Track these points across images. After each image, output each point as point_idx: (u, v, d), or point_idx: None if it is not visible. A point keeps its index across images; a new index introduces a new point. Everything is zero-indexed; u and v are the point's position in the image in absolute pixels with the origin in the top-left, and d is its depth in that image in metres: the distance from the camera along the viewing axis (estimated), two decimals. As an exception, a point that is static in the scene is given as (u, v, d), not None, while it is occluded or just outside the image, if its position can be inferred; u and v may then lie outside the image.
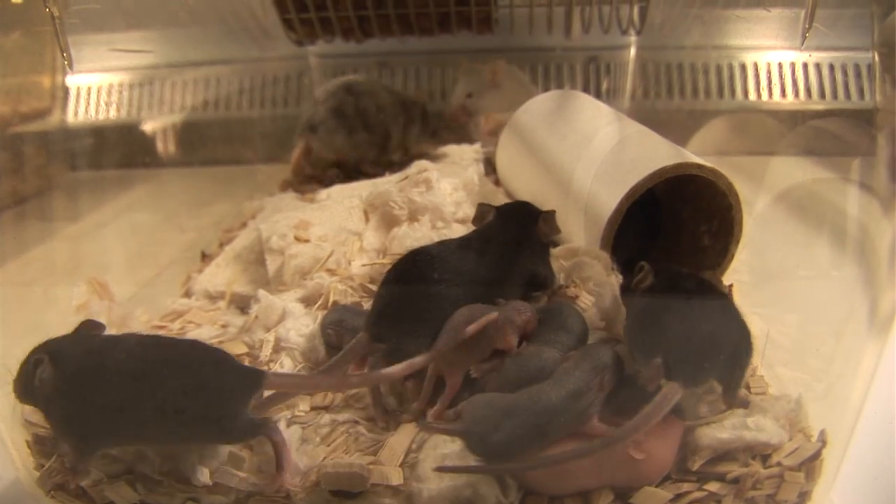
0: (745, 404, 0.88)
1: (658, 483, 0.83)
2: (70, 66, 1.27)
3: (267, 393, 0.88)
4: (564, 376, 0.85)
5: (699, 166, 1.06)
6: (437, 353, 0.89)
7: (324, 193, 1.47)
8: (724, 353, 0.84)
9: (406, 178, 1.29)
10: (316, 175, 1.85)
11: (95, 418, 0.82)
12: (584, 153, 1.21)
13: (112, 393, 0.81)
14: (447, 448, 0.83)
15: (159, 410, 0.80)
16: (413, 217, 1.24)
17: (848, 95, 1.91)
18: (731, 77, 1.97)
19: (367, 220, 1.30)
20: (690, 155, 1.09)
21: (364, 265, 1.18)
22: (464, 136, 1.84)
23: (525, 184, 1.44)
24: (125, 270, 1.10)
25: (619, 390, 0.86)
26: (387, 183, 1.31)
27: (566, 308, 0.98)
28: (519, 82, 1.89)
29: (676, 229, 1.25)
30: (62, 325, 1.01)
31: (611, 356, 0.86)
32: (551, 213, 1.06)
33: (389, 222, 1.25)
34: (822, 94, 1.90)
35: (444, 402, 0.89)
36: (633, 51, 2.09)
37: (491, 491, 0.80)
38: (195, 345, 0.89)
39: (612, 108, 1.40)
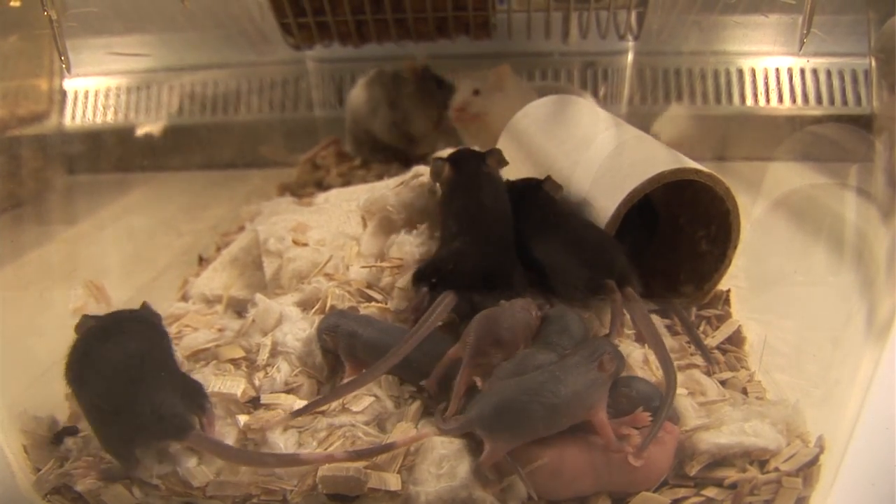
0: None
1: (655, 488, 0.83)
2: (68, 69, 1.27)
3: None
4: (565, 360, 0.86)
5: (697, 171, 1.06)
6: (474, 353, 0.90)
7: (321, 197, 1.47)
8: None
9: (402, 182, 1.28)
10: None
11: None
12: (582, 158, 1.21)
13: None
14: (445, 449, 0.83)
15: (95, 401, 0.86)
16: (410, 222, 1.23)
17: (845, 101, 1.92)
18: (729, 83, 1.98)
19: (364, 225, 1.29)
20: (688, 160, 1.09)
21: (363, 267, 1.18)
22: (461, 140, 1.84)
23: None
24: (122, 274, 1.10)
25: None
26: (384, 188, 1.31)
27: (568, 313, 0.98)
28: (522, 89, 1.88)
29: (674, 234, 1.25)
30: (59, 328, 1.01)
31: (609, 345, 0.88)
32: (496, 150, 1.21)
33: (387, 227, 1.25)
34: (820, 100, 1.91)
35: (458, 400, 0.89)
36: (630, 56, 2.09)
37: (487, 494, 0.80)
38: (163, 368, 0.90)
39: (609, 113, 1.40)
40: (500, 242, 1.08)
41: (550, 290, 1.07)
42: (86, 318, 0.93)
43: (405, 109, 1.92)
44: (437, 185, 1.22)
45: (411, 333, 0.94)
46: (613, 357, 0.85)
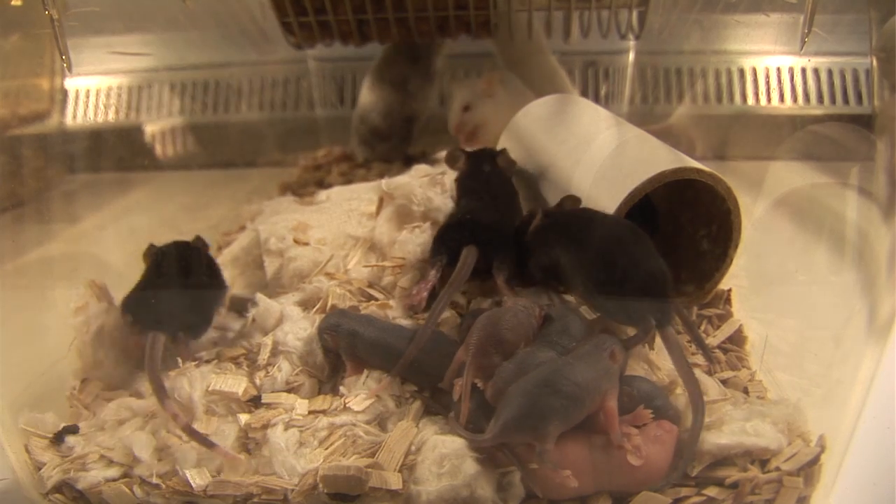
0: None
1: (657, 488, 0.83)
2: (69, 68, 1.27)
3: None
4: (576, 350, 0.88)
5: (698, 171, 1.06)
6: (477, 353, 0.89)
7: (323, 195, 1.47)
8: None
9: (428, 175, 1.30)
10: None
11: None
12: (583, 157, 1.21)
13: None
14: (446, 448, 0.83)
15: None
16: (426, 216, 1.24)
17: (846, 100, 1.91)
18: (730, 82, 1.98)
19: (379, 208, 1.29)
20: (689, 159, 1.09)
21: (365, 266, 1.18)
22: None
23: (523, 188, 1.44)
24: (124, 273, 1.10)
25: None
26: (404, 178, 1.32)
27: (570, 313, 0.98)
28: (515, 89, 1.88)
29: (675, 233, 1.25)
30: (61, 327, 1.01)
31: (615, 339, 0.90)
32: (504, 150, 1.32)
33: (404, 216, 1.25)
34: (821, 99, 1.91)
35: (466, 405, 0.87)
36: (631, 55, 2.09)
37: (488, 493, 0.80)
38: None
39: (610, 112, 1.39)
40: (507, 212, 1.18)
41: (553, 288, 1.07)
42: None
43: (403, 85, 1.96)
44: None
45: (445, 291, 0.99)
46: (621, 350, 0.88)
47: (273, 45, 1.95)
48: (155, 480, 0.86)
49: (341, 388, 0.98)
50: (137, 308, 1.05)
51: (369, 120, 2.02)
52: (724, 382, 1.00)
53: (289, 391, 0.99)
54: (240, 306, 1.16)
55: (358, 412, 0.93)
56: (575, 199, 1.11)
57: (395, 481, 0.83)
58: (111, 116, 2.00)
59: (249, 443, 0.92)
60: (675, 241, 1.25)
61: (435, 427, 0.89)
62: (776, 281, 1.24)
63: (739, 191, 1.09)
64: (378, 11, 1.72)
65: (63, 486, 0.90)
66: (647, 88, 2.08)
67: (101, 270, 1.14)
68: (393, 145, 2.03)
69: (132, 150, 1.82)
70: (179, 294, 1.10)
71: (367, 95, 2.02)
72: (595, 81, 2.15)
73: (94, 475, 0.88)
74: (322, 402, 0.96)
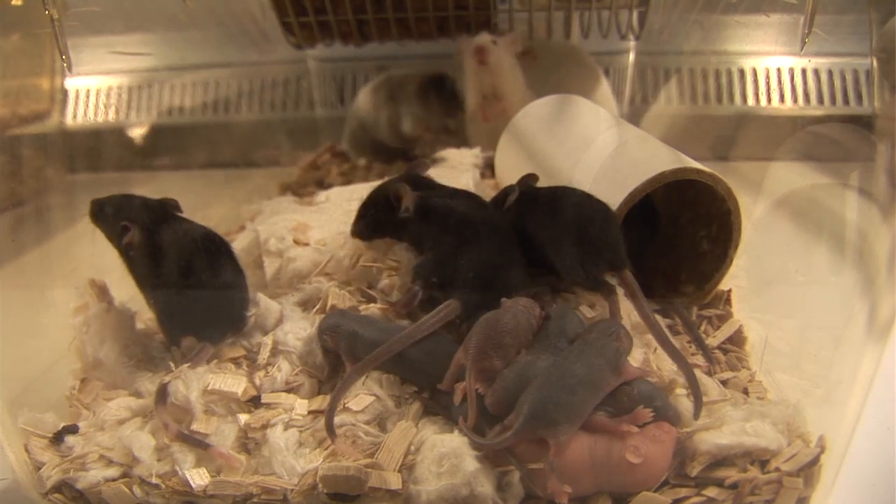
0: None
1: (656, 488, 0.83)
2: (69, 68, 1.27)
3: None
4: (582, 339, 0.91)
5: (698, 171, 1.06)
6: (478, 357, 0.89)
7: (322, 196, 1.47)
8: None
9: None
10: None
11: None
12: (583, 157, 1.20)
13: None
14: (445, 447, 0.83)
15: None
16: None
17: (847, 101, 1.92)
18: (731, 82, 1.98)
19: None
20: (689, 160, 1.09)
21: (363, 265, 1.18)
22: (463, 140, 1.83)
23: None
24: (123, 273, 1.10)
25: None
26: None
27: (568, 313, 0.98)
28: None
29: (675, 234, 1.25)
30: (61, 327, 1.01)
31: (619, 324, 0.93)
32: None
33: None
34: (821, 100, 1.91)
35: (474, 410, 0.87)
36: (632, 56, 2.09)
37: (488, 491, 0.80)
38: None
39: (610, 112, 1.40)
40: (503, 247, 1.06)
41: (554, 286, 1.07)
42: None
43: (399, 108, 1.91)
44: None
45: (404, 335, 0.95)
46: (626, 332, 0.91)
47: (273, 45, 1.95)
48: (154, 480, 0.86)
49: (341, 389, 0.98)
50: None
51: (356, 125, 2.01)
52: (724, 383, 1.00)
53: (288, 391, 0.99)
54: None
55: (357, 412, 0.92)
56: (534, 177, 1.15)
57: (394, 481, 0.83)
58: (111, 116, 2.00)
59: (249, 443, 0.91)
60: (675, 242, 1.25)
61: (434, 427, 0.89)
62: (776, 281, 1.24)
63: (739, 191, 1.09)
64: (378, 11, 1.73)
65: (63, 486, 0.90)
66: (647, 88, 2.08)
67: (101, 270, 1.14)
68: (378, 153, 2.02)
69: (132, 150, 1.82)
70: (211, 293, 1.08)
71: (362, 100, 2.00)
72: (595, 82, 2.15)
73: (94, 475, 0.88)
74: (322, 402, 0.96)
